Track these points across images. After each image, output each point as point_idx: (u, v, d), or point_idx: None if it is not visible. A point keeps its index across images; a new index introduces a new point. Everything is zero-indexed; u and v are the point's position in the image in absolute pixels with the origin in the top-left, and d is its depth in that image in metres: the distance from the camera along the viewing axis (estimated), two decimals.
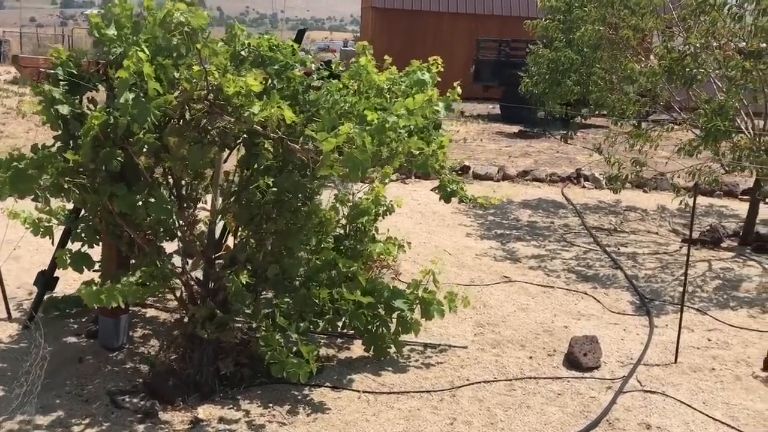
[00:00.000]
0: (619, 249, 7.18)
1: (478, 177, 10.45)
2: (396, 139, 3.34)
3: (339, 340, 4.61)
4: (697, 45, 5.90)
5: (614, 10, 6.63)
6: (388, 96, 5.03)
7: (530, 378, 4.28)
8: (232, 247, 4.22)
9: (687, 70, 5.86)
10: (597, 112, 7.13)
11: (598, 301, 5.67)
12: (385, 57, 5.41)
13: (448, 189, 4.47)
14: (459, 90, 4.37)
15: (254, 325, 3.98)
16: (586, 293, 5.83)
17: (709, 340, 5.00)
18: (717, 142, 5.79)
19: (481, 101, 22.83)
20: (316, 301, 3.92)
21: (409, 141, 3.44)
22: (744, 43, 6.30)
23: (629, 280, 6.17)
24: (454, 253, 6.76)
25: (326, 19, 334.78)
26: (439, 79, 5.33)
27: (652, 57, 6.95)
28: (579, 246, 7.22)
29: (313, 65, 4.20)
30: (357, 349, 4.48)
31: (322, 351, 4.39)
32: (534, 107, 13.64)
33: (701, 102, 5.97)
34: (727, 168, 6.57)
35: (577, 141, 13.40)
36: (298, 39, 5.06)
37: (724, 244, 7.52)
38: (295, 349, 3.67)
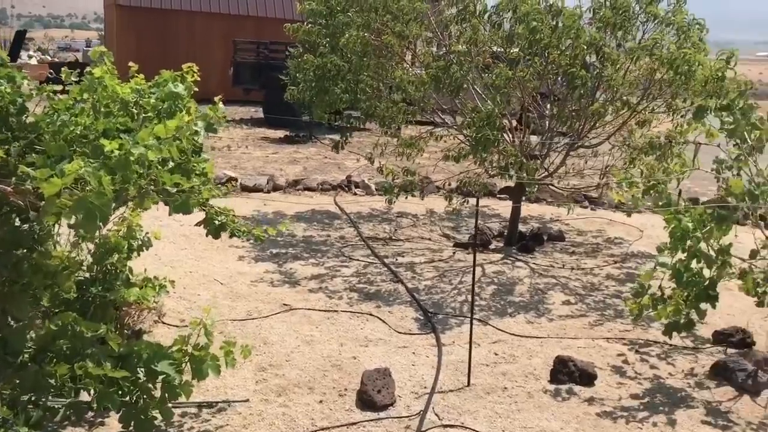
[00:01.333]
0: (397, 260, 7.02)
1: (246, 189, 9.81)
2: (145, 174, 2.65)
3: (90, 414, 3.76)
4: (462, 52, 5.86)
5: (377, 16, 6.43)
6: (135, 111, 4.26)
7: (322, 430, 3.80)
8: None
9: (454, 78, 5.80)
10: (367, 121, 6.88)
11: (384, 322, 5.38)
12: (130, 64, 4.61)
13: (216, 222, 3.82)
14: (221, 106, 3.73)
15: None
16: (371, 314, 5.52)
17: (496, 354, 4.92)
18: (486, 151, 5.80)
19: (243, 104, 22.12)
20: (52, 381, 3.07)
21: (162, 175, 2.77)
22: (501, 50, 6.43)
23: (411, 295, 5.98)
24: (226, 281, 6.10)
25: (66, 16, 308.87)
26: (196, 89, 4.68)
27: (417, 64, 6.88)
28: (358, 260, 6.93)
29: (26, 81, 3.31)
30: (115, 424, 3.68)
31: None
32: (298, 110, 13.28)
33: (467, 110, 5.96)
34: (492, 174, 6.68)
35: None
36: (16, 45, 4.10)
37: (492, 246, 7.71)
38: None
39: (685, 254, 4.31)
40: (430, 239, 7.94)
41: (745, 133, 4.87)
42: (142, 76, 4.63)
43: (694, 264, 4.41)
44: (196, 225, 4.01)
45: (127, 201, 2.67)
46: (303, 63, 6.88)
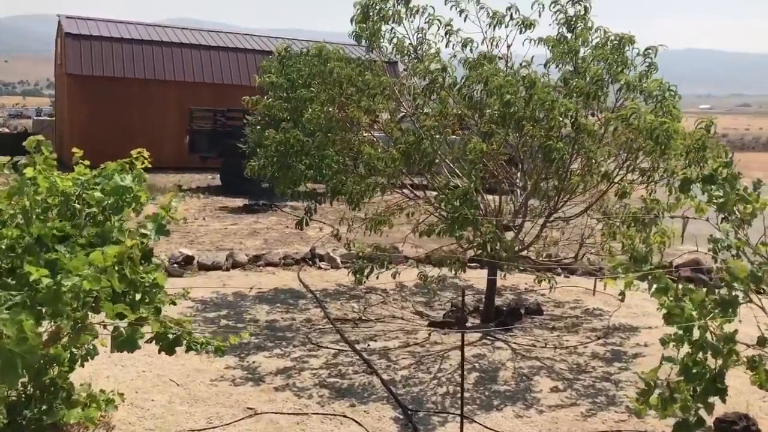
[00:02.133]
0: (369, 345, 6.53)
1: (204, 267, 9.26)
2: (79, 307, 2.19)
3: None
4: (432, 126, 5.57)
5: (342, 90, 6.12)
6: (78, 206, 3.80)
7: None
8: None
9: (425, 153, 5.48)
10: (335, 199, 6.49)
11: (360, 425, 4.87)
12: (74, 150, 4.18)
13: (170, 337, 3.32)
14: (176, 210, 3.29)
15: None
16: (345, 416, 5.00)
17: None
18: (463, 229, 5.45)
19: (200, 171, 21.68)
20: None
21: (104, 305, 2.30)
22: (473, 122, 6.16)
23: (387, 389, 5.49)
24: (183, 382, 5.52)
25: (18, 83, 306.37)
26: (150, 166, 4.26)
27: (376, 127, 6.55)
28: (327, 347, 6.42)
29: None
30: None
31: None
32: (258, 178, 12.88)
33: (440, 184, 5.63)
34: (468, 248, 6.32)
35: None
36: None
37: (468, 324, 7.30)
38: None
39: (691, 346, 3.95)
40: (402, 318, 7.49)
41: (736, 207, 4.64)
42: (87, 162, 4.20)
43: (700, 355, 4.04)
44: (147, 342, 3.49)
45: (58, 339, 2.20)
46: (265, 139, 6.49)
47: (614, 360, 6.31)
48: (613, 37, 6.51)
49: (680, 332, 3.92)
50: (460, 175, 6.37)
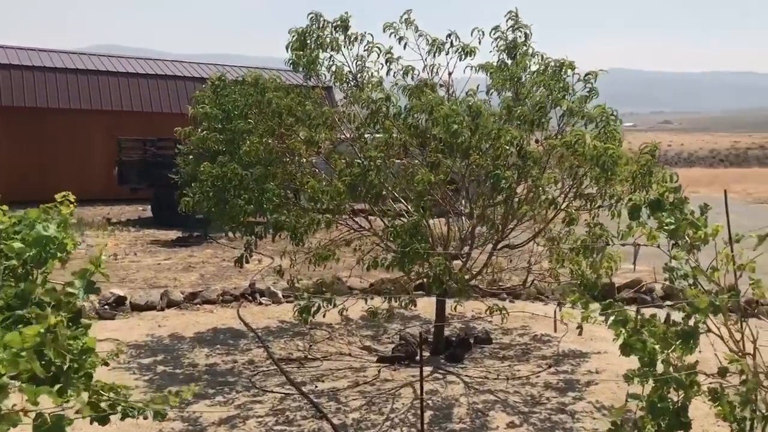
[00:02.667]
0: (316, 387, 6.24)
1: (137, 308, 8.78)
2: None
3: None
4: (377, 157, 5.38)
5: (282, 121, 5.88)
6: None
7: None
8: None
9: (372, 185, 5.28)
10: (277, 234, 6.19)
11: None
12: None
13: (103, 406, 2.97)
14: (106, 262, 2.97)
15: None
16: None
17: None
18: (414, 263, 5.26)
19: (130, 203, 20.96)
20: None
21: (24, 389, 1.99)
22: (417, 151, 6.01)
23: None
24: None
25: None
26: (74, 204, 3.91)
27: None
28: (272, 392, 6.09)
29: None
30: None
31: None
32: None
33: (389, 219, 5.44)
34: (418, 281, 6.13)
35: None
36: None
37: (418, 357, 7.08)
38: None
39: (656, 381, 3.84)
40: (350, 354, 7.22)
41: (687, 232, 4.60)
42: (5, 208, 3.82)
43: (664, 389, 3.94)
44: (76, 413, 3.13)
45: None
46: (200, 173, 6.16)
47: (568, 389, 6.20)
48: (553, 63, 6.49)
49: (644, 368, 3.81)
50: (405, 204, 6.21)
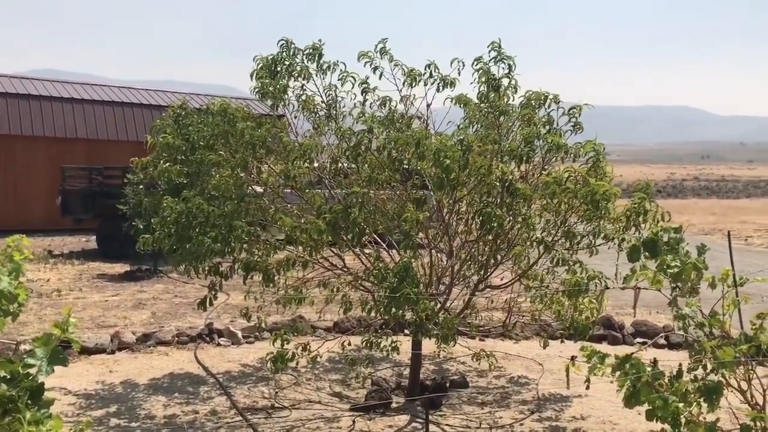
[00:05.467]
0: None
1: (85, 351, 8.10)
2: None
3: None
4: (360, 193, 5.01)
5: (254, 153, 5.46)
6: None
7: None
8: None
9: (355, 223, 4.89)
10: (249, 276, 5.70)
11: None
12: None
13: None
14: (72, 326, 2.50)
15: None
16: None
17: None
18: (402, 309, 4.87)
19: (73, 233, 20.00)
20: None
21: None
22: (400, 186, 5.66)
23: None
24: None
25: None
26: (24, 238, 3.44)
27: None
28: None
29: None
30: None
31: None
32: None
33: (373, 259, 5.05)
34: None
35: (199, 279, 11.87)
36: None
37: (394, 404, 6.66)
38: None
39: None
40: (320, 402, 6.73)
41: (692, 276, 4.36)
42: None
43: None
44: None
45: None
46: (162, 210, 5.65)
47: None
48: (534, 96, 6.27)
49: (668, 428, 3.50)
50: (382, 244, 5.85)
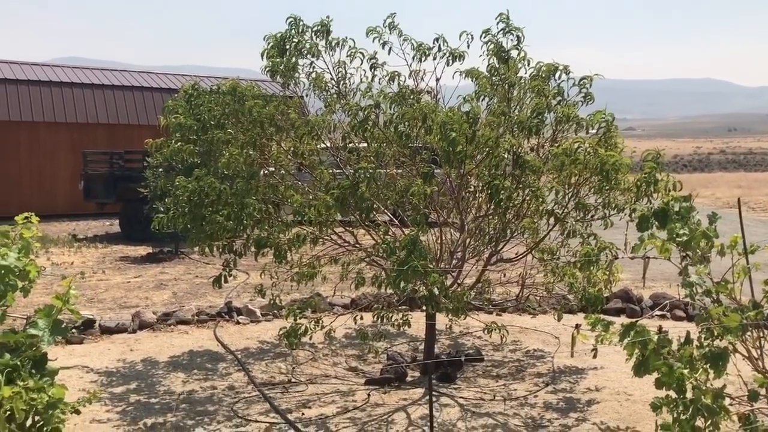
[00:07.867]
0: (303, 414, 5.83)
1: (107, 331, 8.27)
2: None
3: None
4: (368, 167, 5.02)
5: (263, 131, 5.50)
6: None
7: None
8: None
9: (363, 198, 4.92)
10: (260, 253, 5.77)
11: None
12: None
13: None
14: (76, 299, 2.56)
15: None
16: None
17: None
18: (410, 282, 4.90)
19: (96, 217, 20.32)
20: None
21: None
22: (408, 161, 5.66)
23: None
24: None
25: None
26: (40, 234, 3.51)
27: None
28: (256, 421, 5.67)
29: None
30: None
31: None
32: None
33: (381, 233, 5.08)
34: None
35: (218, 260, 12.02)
36: None
37: (409, 378, 6.72)
38: None
39: (686, 409, 3.52)
40: (336, 376, 6.82)
41: (702, 244, 4.33)
42: None
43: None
44: None
45: None
46: (175, 188, 5.72)
47: (569, 410, 5.89)
48: (545, 68, 6.21)
49: (673, 395, 3.50)
50: (392, 217, 5.86)
